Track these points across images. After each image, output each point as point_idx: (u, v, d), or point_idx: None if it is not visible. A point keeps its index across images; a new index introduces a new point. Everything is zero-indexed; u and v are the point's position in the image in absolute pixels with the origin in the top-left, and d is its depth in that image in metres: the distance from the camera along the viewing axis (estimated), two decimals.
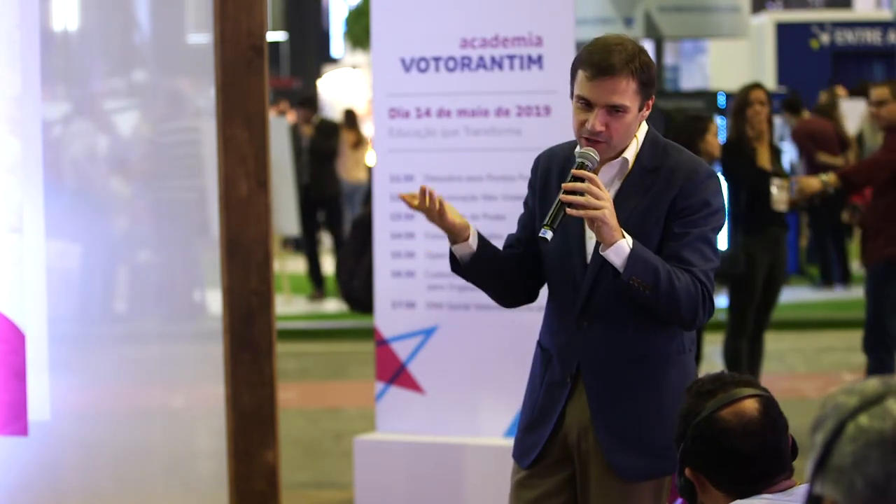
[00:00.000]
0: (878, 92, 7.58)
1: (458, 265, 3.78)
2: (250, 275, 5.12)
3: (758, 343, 8.13)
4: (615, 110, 3.60)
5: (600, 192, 3.52)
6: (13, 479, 5.11)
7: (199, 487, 5.55)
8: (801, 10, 22.97)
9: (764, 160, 7.94)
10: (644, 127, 3.73)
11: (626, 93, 3.59)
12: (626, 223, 3.61)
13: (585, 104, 3.62)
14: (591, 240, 3.67)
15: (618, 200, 3.67)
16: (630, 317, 3.66)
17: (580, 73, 3.62)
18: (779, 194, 7.91)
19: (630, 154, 3.69)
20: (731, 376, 2.92)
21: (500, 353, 5.73)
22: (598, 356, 3.69)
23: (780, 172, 8.04)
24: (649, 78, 3.63)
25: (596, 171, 3.68)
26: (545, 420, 3.76)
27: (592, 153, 3.61)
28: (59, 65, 5.40)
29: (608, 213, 3.51)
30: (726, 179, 7.77)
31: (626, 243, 3.53)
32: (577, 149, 3.65)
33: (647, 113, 3.68)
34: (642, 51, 3.65)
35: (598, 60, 3.59)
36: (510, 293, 3.89)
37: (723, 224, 3.71)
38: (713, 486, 2.86)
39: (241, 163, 5.12)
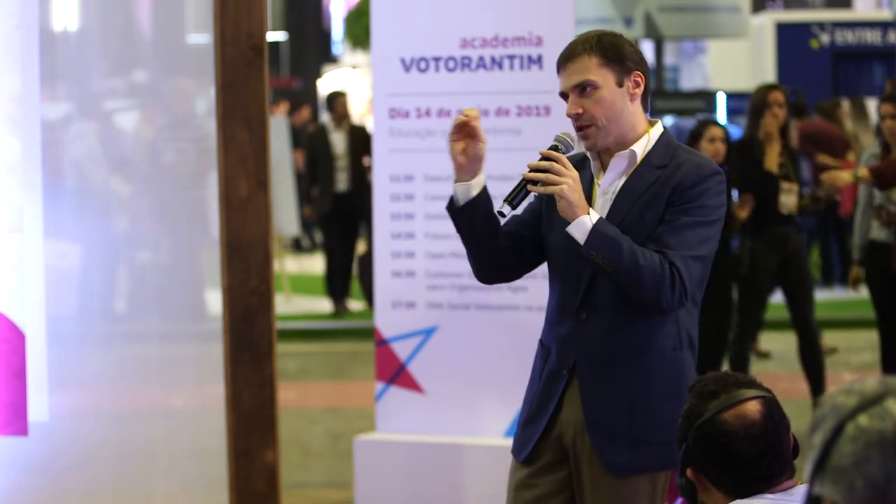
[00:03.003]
0: None
1: (452, 205, 3.76)
2: (250, 275, 5.12)
3: (811, 344, 8.10)
4: (583, 89, 3.66)
5: (563, 170, 3.56)
6: (13, 479, 5.11)
7: (199, 487, 5.55)
8: (801, 10, 22.95)
9: (771, 163, 7.87)
10: (660, 127, 3.75)
11: (588, 69, 3.66)
12: (628, 216, 3.64)
13: (565, 98, 3.73)
14: None
15: (622, 194, 3.69)
16: (629, 310, 3.66)
17: (558, 76, 3.75)
18: (787, 198, 7.85)
19: (639, 148, 3.71)
20: (733, 377, 2.91)
21: (500, 353, 5.73)
22: (595, 348, 3.69)
23: (790, 176, 7.97)
24: (616, 53, 3.68)
25: (605, 165, 3.73)
26: (542, 413, 3.76)
27: (568, 137, 3.70)
28: (59, 65, 5.40)
29: (567, 189, 3.54)
30: (734, 180, 7.77)
31: (588, 219, 3.56)
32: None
33: (637, 92, 3.70)
34: (608, 34, 3.74)
35: (561, 55, 3.74)
36: (491, 262, 3.83)
37: (719, 222, 3.70)
38: (714, 486, 2.86)
39: (241, 163, 5.12)
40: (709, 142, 7.64)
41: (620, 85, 3.67)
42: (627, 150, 3.70)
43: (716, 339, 7.86)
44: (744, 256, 7.87)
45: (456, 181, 3.73)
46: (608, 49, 3.67)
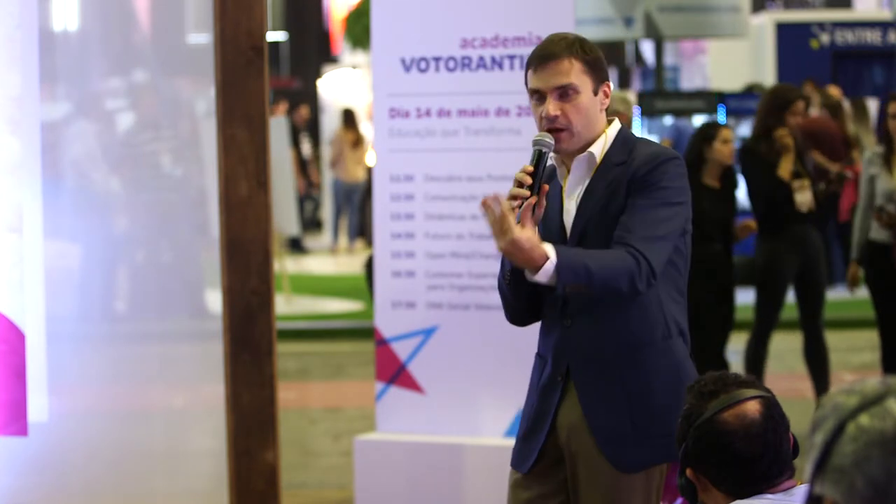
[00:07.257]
0: None
1: (515, 274, 3.72)
2: (250, 275, 5.12)
3: (817, 344, 8.13)
4: (565, 93, 3.66)
5: (500, 230, 3.49)
6: (13, 479, 5.11)
7: (199, 487, 5.55)
8: (801, 10, 22.92)
9: (785, 171, 7.78)
10: (616, 125, 3.77)
11: (571, 72, 3.67)
12: (594, 216, 3.67)
13: (538, 96, 3.70)
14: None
15: (586, 196, 3.72)
16: (610, 309, 3.68)
17: (528, 72, 3.73)
18: (802, 196, 7.79)
19: (597, 149, 3.73)
20: (733, 377, 2.91)
21: (500, 353, 5.73)
22: (584, 352, 3.72)
23: (800, 173, 7.84)
24: (595, 60, 3.71)
25: (569, 169, 3.73)
26: (540, 426, 3.79)
27: (548, 138, 3.65)
28: (59, 65, 5.40)
29: (510, 248, 3.48)
30: (746, 183, 7.78)
31: (550, 264, 3.51)
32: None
33: (606, 102, 3.73)
34: (584, 40, 3.75)
35: (538, 53, 3.72)
36: (532, 314, 3.86)
37: (681, 205, 3.69)
38: (714, 486, 2.86)
39: (241, 163, 5.12)
40: (722, 143, 7.62)
41: (595, 94, 3.71)
42: (586, 153, 3.73)
43: (718, 335, 7.84)
44: (757, 261, 7.88)
45: None
46: (589, 56, 3.70)
